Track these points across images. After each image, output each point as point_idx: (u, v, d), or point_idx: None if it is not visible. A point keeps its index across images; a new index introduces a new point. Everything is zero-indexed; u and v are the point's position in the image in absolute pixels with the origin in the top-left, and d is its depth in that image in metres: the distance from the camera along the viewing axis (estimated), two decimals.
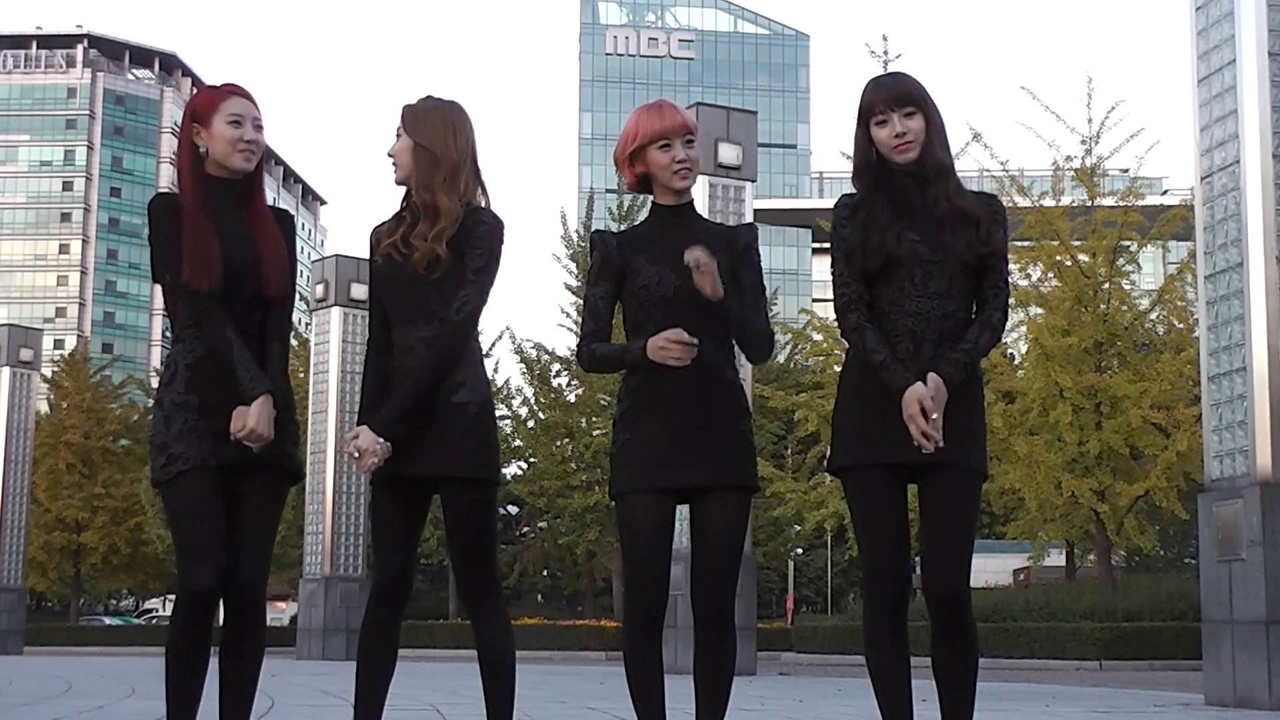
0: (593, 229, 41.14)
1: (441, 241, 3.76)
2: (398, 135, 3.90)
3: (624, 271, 3.83)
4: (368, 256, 3.97)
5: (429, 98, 3.93)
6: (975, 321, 3.67)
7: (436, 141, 3.84)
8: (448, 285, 3.78)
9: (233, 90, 3.93)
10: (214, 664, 3.89)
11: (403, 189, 3.93)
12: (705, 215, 4.31)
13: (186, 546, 3.75)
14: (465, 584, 3.87)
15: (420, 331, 3.80)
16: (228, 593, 3.82)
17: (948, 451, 3.57)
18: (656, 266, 3.78)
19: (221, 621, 3.91)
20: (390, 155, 3.91)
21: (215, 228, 3.83)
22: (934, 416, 3.50)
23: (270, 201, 4.08)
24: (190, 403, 3.80)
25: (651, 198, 3.97)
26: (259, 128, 3.92)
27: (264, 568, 3.87)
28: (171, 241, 3.81)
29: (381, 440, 3.71)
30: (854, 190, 3.81)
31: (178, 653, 3.79)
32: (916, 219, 3.66)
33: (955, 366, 3.58)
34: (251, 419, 3.73)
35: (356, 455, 3.72)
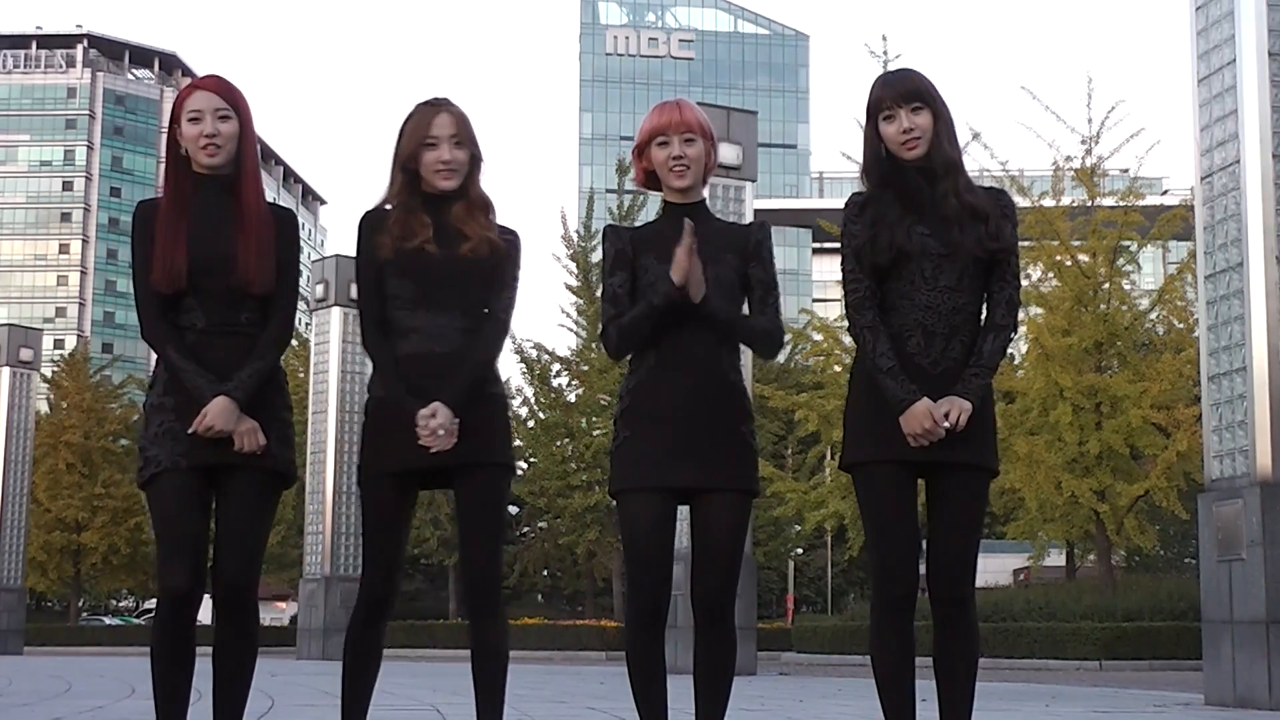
0: (593, 229, 40.85)
1: (494, 229, 3.89)
2: (456, 143, 3.86)
3: (634, 266, 3.81)
4: (362, 242, 3.87)
5: (449, 102, 3.93)
6: (981, 329, 3.67)
7: (477, 144, 3.94)
8: (485, 278, 3.84)
9: (196, 85, 3.89)
10: (210, 665, 3.89)
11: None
12: None
13: (163, 547, 3.76)
14: (483, 579, 3.81)
15: (455, 321, 3.81)
16: (217, 593, 3.81)
17: (959, 450, 3.57)
18: (663, 264, 3.74)
19: (213, 622, 3.90)
20: (449, 162, 3.85)
21: (189, 226, 3.80)
22: (945, 425, 3.54)
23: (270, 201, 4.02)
24: (166, 404, 3.80)
25: (661, 195, 3.95)
26: (223, 118, 3.84)
27: (252, 568, 3.83)
28: (143, 251, 3.82)
29: (456, 420, 3.71)
30: (861, 188, 3.80)
31: (161, 653, 3.78)
32: (926, 214, 3.65)
33: (976, 386, 3.60)
34: (210, 416, 3.71)
35: (440, 434, 3.67)
